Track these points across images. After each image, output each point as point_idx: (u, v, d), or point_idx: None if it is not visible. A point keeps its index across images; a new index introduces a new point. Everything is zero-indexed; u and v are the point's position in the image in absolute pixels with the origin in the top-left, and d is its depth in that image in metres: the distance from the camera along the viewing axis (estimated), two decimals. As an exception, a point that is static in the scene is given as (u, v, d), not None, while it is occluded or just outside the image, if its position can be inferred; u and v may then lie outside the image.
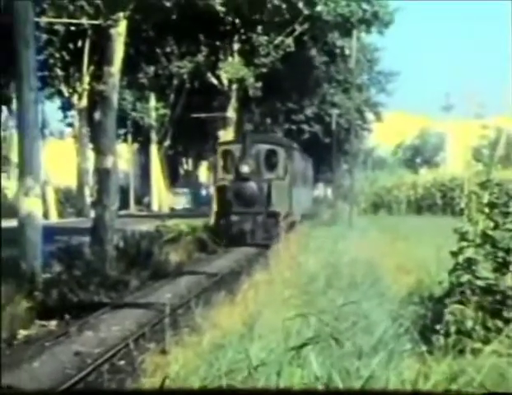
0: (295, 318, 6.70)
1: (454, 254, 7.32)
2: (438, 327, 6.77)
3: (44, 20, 27.78)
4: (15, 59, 13.31)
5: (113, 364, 8.41)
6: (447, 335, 6.59)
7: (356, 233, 21.16)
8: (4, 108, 41.51)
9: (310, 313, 7.56)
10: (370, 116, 52.51)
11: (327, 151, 47.54)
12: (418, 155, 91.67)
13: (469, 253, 7.23)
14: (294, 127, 43.88)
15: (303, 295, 9.75)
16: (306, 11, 27.63)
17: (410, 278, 10.40)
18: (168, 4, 24.88)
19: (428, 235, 18.47)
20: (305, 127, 46.22)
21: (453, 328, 6.70)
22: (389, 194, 44.75)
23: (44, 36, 33.73)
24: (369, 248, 14.71)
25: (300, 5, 27.30)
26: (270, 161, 24.61)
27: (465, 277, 7.13)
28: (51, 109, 53.43)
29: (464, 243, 7.29)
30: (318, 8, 27.43)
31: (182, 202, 55.43)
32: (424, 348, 5.95)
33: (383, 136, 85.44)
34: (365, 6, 28.33)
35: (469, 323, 6.76)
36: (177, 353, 7.26)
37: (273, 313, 7.86)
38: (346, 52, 34.72)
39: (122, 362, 8.48)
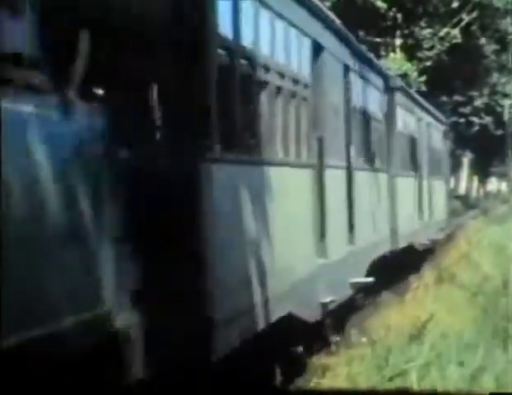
0: (468, 321, 6.43)
1: None
2: None
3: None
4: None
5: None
6: None
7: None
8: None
9: (485, 315, 7.22)
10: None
11: (499, 143, 45.47)
12: None
13: None
14: (462, 119, 42.33)
15: (477, 295, 9.33)
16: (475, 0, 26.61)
17: None
18: (327, 4, 24.86)
19: None
20: (475, 119, 44.48)
21: None
22: None
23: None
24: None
25: (469, -7, 26.33)
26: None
27: None
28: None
29: None
30: (489, -5, 26.32)
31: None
32: None
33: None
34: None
35: None
36: (345, 355, 7.20)
37: (444, 314, 7.57)
38: (520, 38, 33.03)
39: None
